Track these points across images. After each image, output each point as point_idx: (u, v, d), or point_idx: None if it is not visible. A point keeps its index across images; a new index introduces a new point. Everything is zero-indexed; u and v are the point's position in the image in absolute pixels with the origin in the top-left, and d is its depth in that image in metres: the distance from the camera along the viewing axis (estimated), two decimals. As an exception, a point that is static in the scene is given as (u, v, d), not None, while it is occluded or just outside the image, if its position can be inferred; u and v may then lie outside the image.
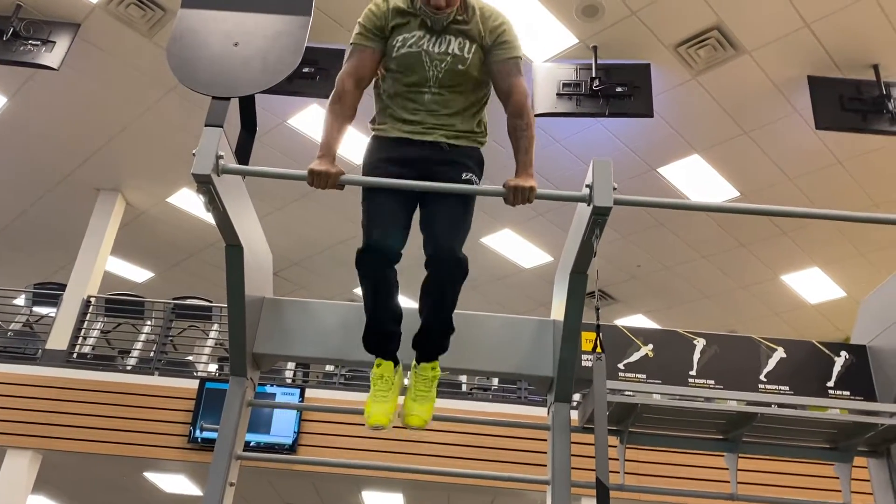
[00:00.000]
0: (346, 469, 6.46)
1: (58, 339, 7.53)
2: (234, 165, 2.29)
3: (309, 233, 9.27)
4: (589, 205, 2.19)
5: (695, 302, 10.18)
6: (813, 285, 9.48)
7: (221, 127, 2.26)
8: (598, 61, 6.00)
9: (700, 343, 2.93)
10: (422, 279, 2.37)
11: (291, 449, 6.58)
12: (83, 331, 7.78)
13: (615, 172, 2.20)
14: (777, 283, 9.51)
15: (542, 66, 6.06)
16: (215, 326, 8.10)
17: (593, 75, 5.91)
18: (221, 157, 2.20)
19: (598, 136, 6.96)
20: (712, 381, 2.84)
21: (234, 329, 2.61)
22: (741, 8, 5.59)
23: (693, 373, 2.86)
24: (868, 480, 2.82)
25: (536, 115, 5.38)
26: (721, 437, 2.77)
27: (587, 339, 2.81)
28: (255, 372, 2.81)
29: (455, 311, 2.43)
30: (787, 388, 2.85)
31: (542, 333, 2.79)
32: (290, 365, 7.97)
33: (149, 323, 8.11)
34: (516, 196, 2.25)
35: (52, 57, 5.96)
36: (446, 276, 2.33)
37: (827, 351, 2.93)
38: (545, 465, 2.70)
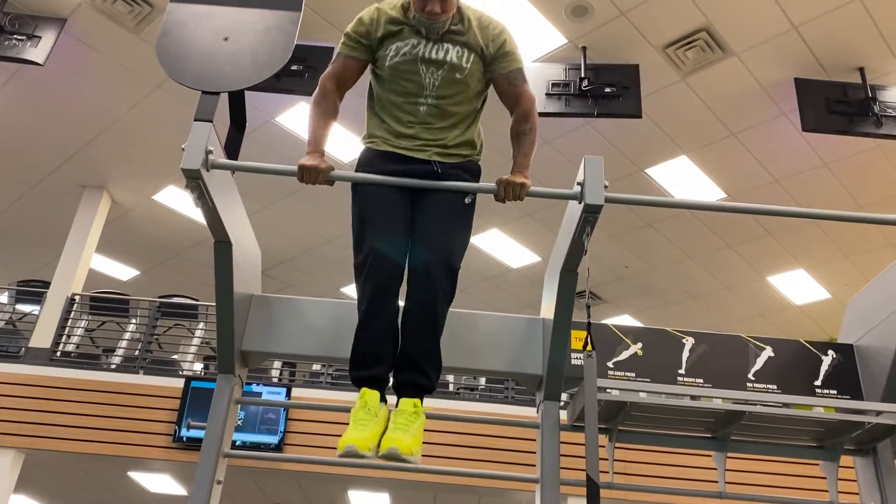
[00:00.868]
0: (333, 467, 6.44)
1: (41, 338, 7.45)
2: (224, 160, 2.27)
3: (296, 231, 9.24)
4: (580, 203, 2.18)
5: (681, 303, 10.24)
6: (798, 287, 9.56)
7: (211, 122, 2.24)
8: (587, 62, 6.02)
9: (689, 342, 2.93)
10: None
11: (278, 448, 6.56)
12: (67, 329, 7.71)
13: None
14: (763, 285, 9.58)
15: (531, 67, 6.06)
16: (201, 325, 8.05)
17: (582, 76, 5.93)
18: (211, 152, 2.17)
19: (586, 136, 6.98)
20: (701, 380, 2.85)
21: (223, 326, 2.59)
22: (729, 10, 5.62)
23: (682, 371, 2.87)
24: (854, 480, 2.83)
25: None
26: (709, 435, 2.78)
27: (577, 337, 2.81)
28: (243, 369, 2.79)
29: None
30: (775, 386, 2.86)
31: (532, 332, 2.78)
32: (277, 364, 7.94)
33: (134, 321, 8.04)
34: (507, 192, 2.23)
35: (37, 52, 5.90)
36: (434, 277, 2.19)
37: (815, 350, 2.95)
38: (533, 465, 2.70)
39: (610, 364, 2.87)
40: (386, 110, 2.42)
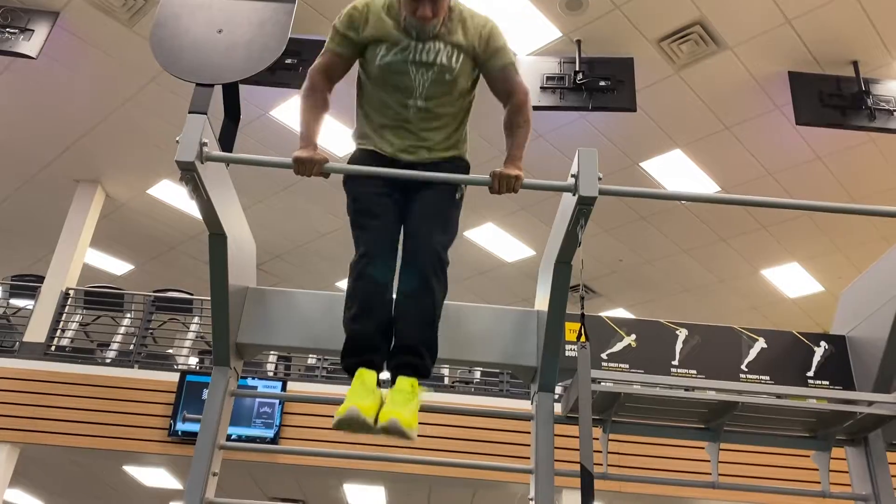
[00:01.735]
0: (328, 459, 6.46)
1: (36, 332, 7.44)
2: (219, 153, 2.26)
3: (290, 226, 9.23)
4: (574, 194, 2.18)
5: (675, 296, 10.27)
6: (792, 280, 9.59)
7: (205, 114, 2.24)
8: (582, 55, 6.02)
9: (682, 333, 2.95)
10: None
11: (273, 442, 6.56)
12: (61, 323, 7.70)
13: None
14: (756, 278, 9.61)
15: (525, 60, 6.07)
16: (196, 319, 8.04)
17: (577, 69, 5.94)
18: (205, 144, 2.17)
19: (581, 129, 6.99)
20: (694, 371, 2.87)
21: (218, 319, 2.59)
22: (723, 3, 5.63)
23: (675, 363, 2.89)
24: (846, 472, 2.85)
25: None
26: (703, 426, 2.79)
27: (571, 329, 2.82)
28: (238, 362, 2.79)
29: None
30: (768, 377, 2.88)
31: (527, 324, 2.79)
32: (272, 357, 7.94)
33: (128, 315, 8.03)
34: (501, 184, 2.24)
35: (30, 46, 5.88)
36: (429, 269, 2.24)
37: (807, 341, 2.97)
38: (527, 457, 2.71)
39: (604, 356, 2.89)
40: (374, 108, 2.42)
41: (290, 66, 5.76)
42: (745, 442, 2.82)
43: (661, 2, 5.63)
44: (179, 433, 6.57)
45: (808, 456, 2.84)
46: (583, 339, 2.13)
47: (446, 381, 7.96)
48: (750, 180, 7.55)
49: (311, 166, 2.22)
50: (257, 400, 6.70)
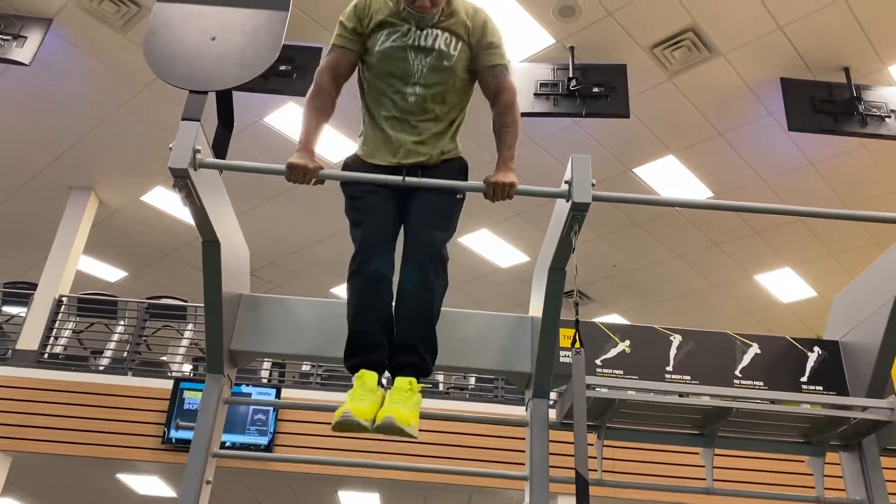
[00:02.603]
0: (323, 467, 6.43)
1: (28, 339, 7.41)
2: (212, 160, 2.27)
3: (284, 232, 9.21)
4: (568, 201, 2.19)
5: (669, 301, 10.28)
6: (785, 285, 9.62)
7: (198, 121, 2.24)
8: (575, 62, 6.04)
9: (676, 339, 2.95)
10: None
11: (268, 449, 6.54)
12: (54, 331, 7.66)
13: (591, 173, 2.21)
14: (750, 283, 9.64)
15: (519, 67, 6.08)
16: (190, 326, 8.02)
17: (570, 75, 5.95)
18: (199, 151, 2.17)
19: (574, 136, 7.00)
20: (688, 377, 2.87)
21: (211, 326, 2.59)
22: (716, 10, 5.65)
23: (669, 368, 2.89)
24: (840, 477, 2.86)
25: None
26: (697, 432, 2.79)
27: (565, 335, 2.82)
28: (232, 369, 2.78)
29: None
30: (762, 383, 2.88)
31: (521, 330, 2.79)
32: (266, 364, 7.92)
33: (122, 323, 8.00)
34: (496, 192, 2.25)
35: (23, 52, 5.87)
36: (429, 266, 2.26)
37: (801, 347, 2.97)
38: (522, 464, 2.71)
39: (598, 362, 2.89)
40: (374, 99, 2.43)
41: (283, 73, 5.78)
42: (739, 447, 2.82)
43: (653, 8, 5.66)
44: (173, 441, 6.54)
45: (803, 461, 2.85)
46: (577, 345, 2.13)
47: (441, 387, 7.95)
48: (743, 186, 7.58)
49: (304, 173, 2.22)
50: (251, 407, 6.67)
